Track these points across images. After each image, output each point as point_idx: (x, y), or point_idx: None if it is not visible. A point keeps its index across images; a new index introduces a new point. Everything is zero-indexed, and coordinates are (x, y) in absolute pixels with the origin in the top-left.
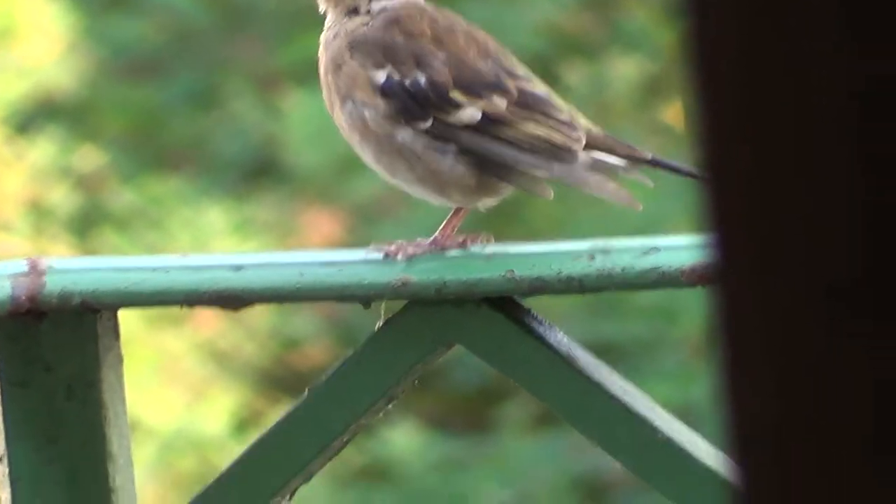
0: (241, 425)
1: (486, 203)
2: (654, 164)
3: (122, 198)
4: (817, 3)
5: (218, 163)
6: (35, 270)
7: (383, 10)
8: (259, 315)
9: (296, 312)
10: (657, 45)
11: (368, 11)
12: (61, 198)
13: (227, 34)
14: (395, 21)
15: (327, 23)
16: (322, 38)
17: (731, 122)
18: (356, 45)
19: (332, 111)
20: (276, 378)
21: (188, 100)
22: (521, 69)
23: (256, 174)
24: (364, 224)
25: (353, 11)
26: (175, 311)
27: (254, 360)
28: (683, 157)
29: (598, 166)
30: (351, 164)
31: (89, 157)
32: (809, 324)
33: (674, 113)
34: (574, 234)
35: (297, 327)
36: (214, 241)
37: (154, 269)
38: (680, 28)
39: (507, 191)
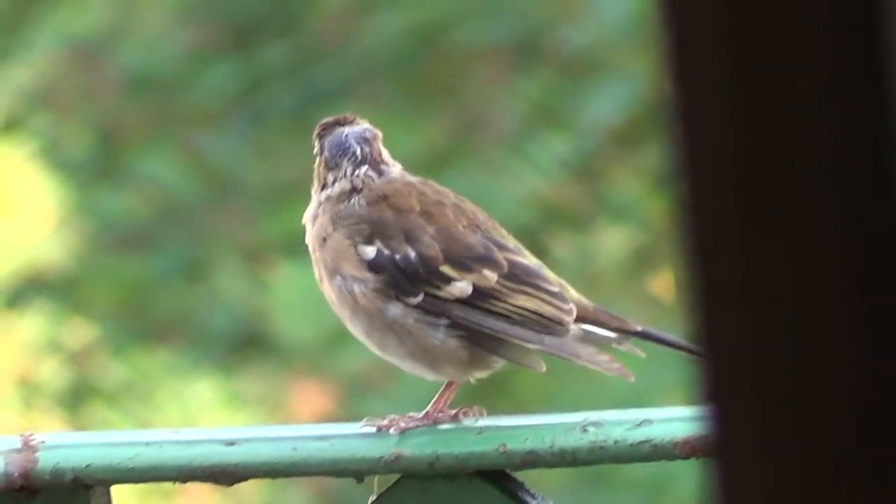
0: None
1: (478, 375)
2: (644, 336)
3: (112, 371)
4: (811, 176)
5: (206, 335)
6: (28, 446)
7: (368, 185)
8: (251, 488)
9: (287, 487)
10: (645, 216)
11: (353, 188)
12: (51, 372)
13: (213, 207)
14: (383, 197)
15: (312, 200)
16: (305, 215)
17: (726, 291)
18: (341, 219)
19: (321, 285)
20: None
21: (175, 273)
22: (510, 241)
23: (244, 347)
24: (354, 397)
25: (336, 187)
26: (167, 484)
27: None
28: (673, 329)
29: (589, 338)
30: (339, 337)
31: (78, 331)
32: (809, 496)
33: (662, 284)
34: (564, 407)
35: (288, 502)
36: (203, 414)
37: (147, 444)
38: (671, 197)
39: (499, 364)
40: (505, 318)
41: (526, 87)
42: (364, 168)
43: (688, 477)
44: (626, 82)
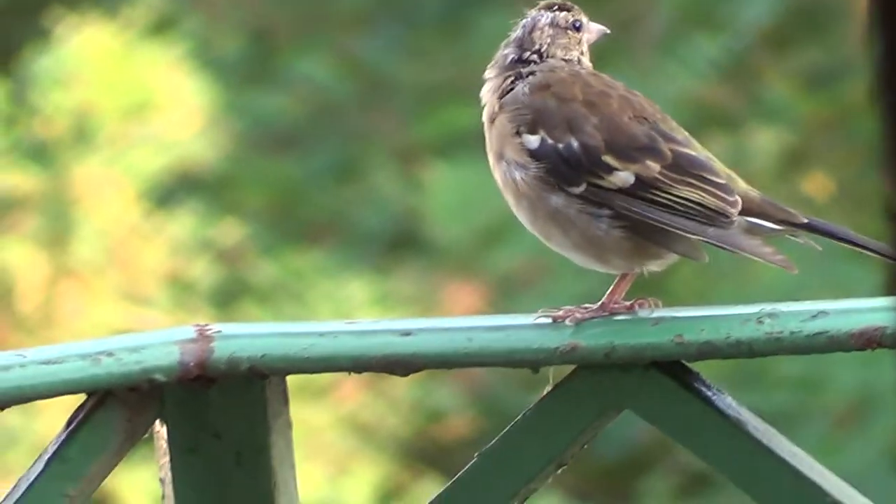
0: (385, 498)
1: (651, 268)
2: (810, 228)
3: (263, 271)
4: None
5: (358, 236)
6: (203, 336)
7: (535, 71)
8: (401, 387)
9: (439, 384)
10: (797, 117)
11: (521, 74)
12: (201, 271)
13: (366, 108)
14: (546, 85)
15: (486, 75)
16: (482, 92)
17: None
18: (507, 104)
19: (491, 165)
20: (419, 450)
21: (328, 173)
22: (680, 133)
23: (397, 247)
24: (505, 296)
25: (510, 67)
26: (316, 383)
27: (396, 433)
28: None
29: (754, 230)
30: (492, 237)
31: (229, 231)
32: None
33: (815, 184)
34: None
35: (440, 399)
36: (356, 313)
37: (322, 335)
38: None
39: (670, 257)
40: (668, 208)
41: None
42: (526, 55)
43: (842, 375)
44: None
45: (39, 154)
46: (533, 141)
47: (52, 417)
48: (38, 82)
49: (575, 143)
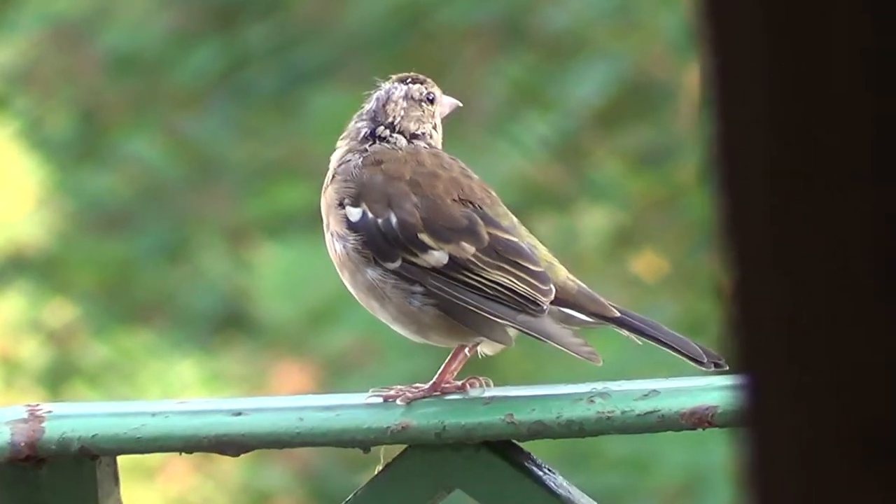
0: None
1: (483, 351)
2: (621, 323)
3: (94, 351)
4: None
5: (188, 316)
6: (34, 417)
7: (370, 147)
8: (230, 468)
9: (267, 465)
10: (627, 196)
11: (365, 149)
12: (31, 352)
13: (196, 187)
14: (379, 161)
15: (337, 144)
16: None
17: (762, 256)
18: (338, 175)
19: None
20: None
21: (158, 253)
22: (506, 220)
23: (226, 326)
24: (335, 377)
25: (363, 141)
26: (146, 463)
27: None
28: (656, 311)
29: (567, 320)
30: (321, 316)
31: (60, 311)
32: (843, 467)
33: (644, 264)
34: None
35: (269, 480)
36: (185, 394)
37: (153, 415)
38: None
39: (488, 338)
40: (479, 290)
41: (509, 68)
42: (379, 129)
43: (670, 454)
44: (608, 63)
45: None
46: (355, 213)
47: None
48: None
49: (394, 219)
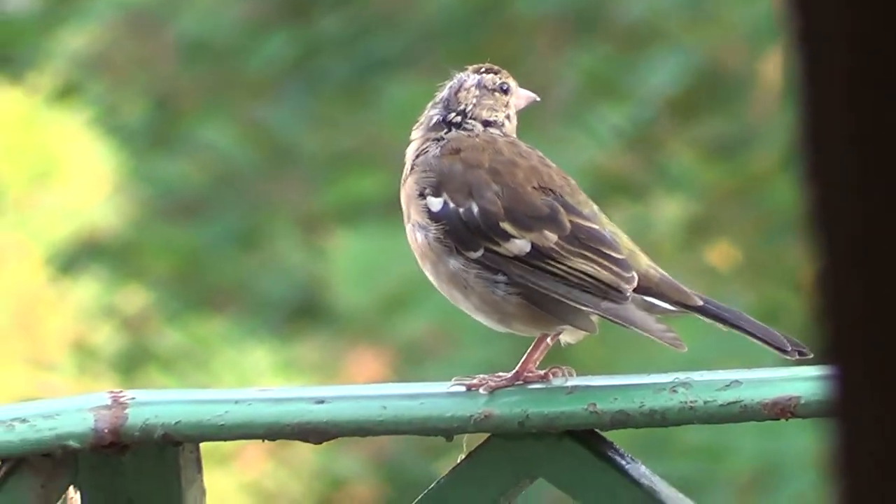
0: None
1: (565, 339)
2: (703, 312)
3: (167, 338)
4: None
5: (262, 303)
6: (117, 403)
7: (448, 135)
8: (304, 454)
9: (342, 451)
10: (701, 186)
11: (441, 137)
12: (106, 338)
13: (269, 175)
14: (457, 150)
15: (412, 135)
16: (407, 151)
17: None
18: (417, 166)
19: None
20: None
21: (231, 240)
22: (587, 207)
23: (301, 314)
24: (409, 364)
25: (435, 128)
26: (221, 449)
27: (299, 501)
28: (732, 299)
29: (651, 308)
30: (395, 304)
31: (133, 297)
32: None
33: (718, 254)
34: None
35: (343, 467)
36: (259, 381)
37: (237, 402)
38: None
39: (570, 326)
40: (561, 279)
41: (582, 59)
42: (451, 116)
43: (744, 443)
44: (682, 53)
45: None
46: (436, 203)
47: None
48: None
49: (475, 208)
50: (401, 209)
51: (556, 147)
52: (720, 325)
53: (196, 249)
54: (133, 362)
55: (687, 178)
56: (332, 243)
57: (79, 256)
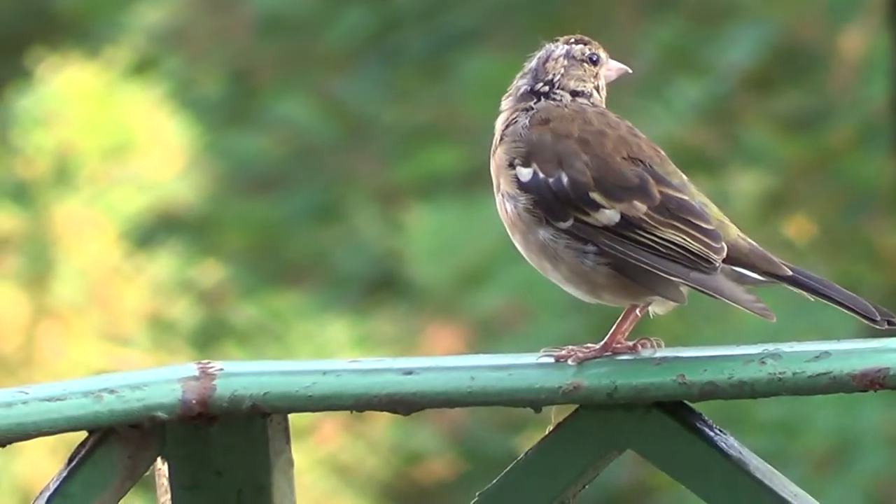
0: None
1: (654, 311)
2: (793, 282)
3: (243, 312)
4: None
5: (338, 278)
6: (205, 374)
7: (537, 106)
8: (381, 429)
9: (419, 426)
10: (778, 160)
11: (530, 107)
12: (182, 312)
13: (347, 149)
14: (546, 120)
15: (501, 106)
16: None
17: None
18: (507, 136)
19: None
20: (398, 492)
21: (308, 214)
22: (676, 178)
23: (377, 289)
24: (485, 338)
25: (523, 98)
26: (296, 424)
27: (376, 475)
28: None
29: (738, 279)
30: (472, 279)
31: (210, 272)
32: None
33: (796, 227)
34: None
35: (419, 441)
36: (336, 355)
37: (325, 373)
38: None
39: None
40: (651, 249)
41: (660, 33)
42: (538, 86)
43: (821, 417)
44: (760, 27)
45: (20, 194)
46: (525, 174)
47: (32, 458)
48: (19, 122)
49: (564, 178)
50: (489, 180)
51: (633, 119)
52: (808, 295)
53: (273, 224)
54: (209, 337)
55: (763, 152)
56: (410, 218)
57: (155, 231)
